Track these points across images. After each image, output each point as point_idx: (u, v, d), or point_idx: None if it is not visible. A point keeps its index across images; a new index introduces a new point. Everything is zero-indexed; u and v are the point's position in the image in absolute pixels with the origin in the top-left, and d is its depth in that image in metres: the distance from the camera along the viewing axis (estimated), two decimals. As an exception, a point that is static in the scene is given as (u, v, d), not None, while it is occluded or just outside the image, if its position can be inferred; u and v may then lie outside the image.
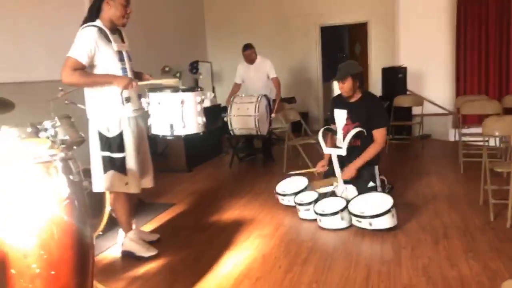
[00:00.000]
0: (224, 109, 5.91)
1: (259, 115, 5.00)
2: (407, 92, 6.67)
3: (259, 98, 5.05)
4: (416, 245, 2.81)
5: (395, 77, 6.51)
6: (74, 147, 3.41)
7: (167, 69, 6.61)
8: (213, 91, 7.89)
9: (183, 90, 2.61)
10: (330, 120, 3.82)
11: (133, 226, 2.91)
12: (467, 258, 2.58)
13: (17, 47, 4.18)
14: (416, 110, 6.30)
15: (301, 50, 8.04)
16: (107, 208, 3.19)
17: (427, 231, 3.03)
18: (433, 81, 7.23)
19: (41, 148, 1.93)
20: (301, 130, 5.62)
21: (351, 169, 3.39)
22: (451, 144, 6.02)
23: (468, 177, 4.32)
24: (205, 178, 4.98)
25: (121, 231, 2.91)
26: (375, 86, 7.44)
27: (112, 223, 3.08)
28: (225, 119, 5.16)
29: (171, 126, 2.59)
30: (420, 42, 7.18)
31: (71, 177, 1.75)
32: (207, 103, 6.20)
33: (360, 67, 3.57)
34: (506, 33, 6.42)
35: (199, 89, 2.70)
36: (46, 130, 3.08)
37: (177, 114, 2.59)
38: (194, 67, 7.09)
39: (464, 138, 4.87)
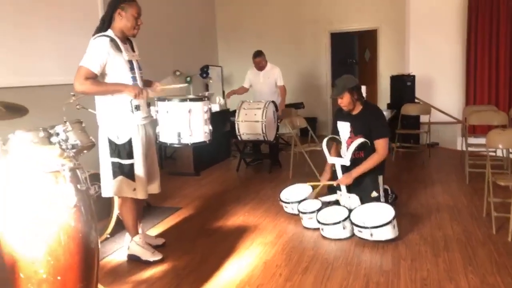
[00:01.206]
0: (233, 113, 5.98)
1: (267, 121, 5.06)
2: (416, 100, 6.68)
3: (266, 104, 5.11)
4: (416, 257, 2.84)
5: (403, 85, 6.52)
6: (84, 151, 3.51)
7: (178, 73, 6.72)
8: (223, 95, 7.97)
9: (191, 99, 2.67)
10: (332, 132, 3.83)
11: (140, 231, 2.99)
12: (466, 272, 2.61)
13: (31, 52, 4.28)
14: (424, 118, 6.31)
15: (310, 56, 8.08)
16: (115, 212, 3.29)
17: (428, 243, 3.06)
18: (442, 89, 7.22)
19: (50, 155, 2.01)
20: (308, 136, 5.66)
21: (349, 176, 3.44)
22: (458, 153, 6.00)
23: (473, 188, 4.33)
24: (212, 182, 5.05)
25: (127, 235, 2.98)
26: (384, 93, 7.45)
27: (120, 226, 3.16)
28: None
29: (179, 135, 2.67)
30: (430, 49, 7.17)
31: (78, 186, 1.82)
32: (216, 108, 6.32)
33: (356, 79, 3.60)
34: (517, 44, 6.41)
35: (206, 99, 2.76)
36: (57, 134, 3.18)
37: (184, 123, 2.66)
38: (204, 72, 7.17)
39: (471, 148, 4.87)
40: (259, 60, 5.60)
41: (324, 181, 3.70)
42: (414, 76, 6.58)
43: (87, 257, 1.88)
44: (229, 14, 8.48)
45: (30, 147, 2.41)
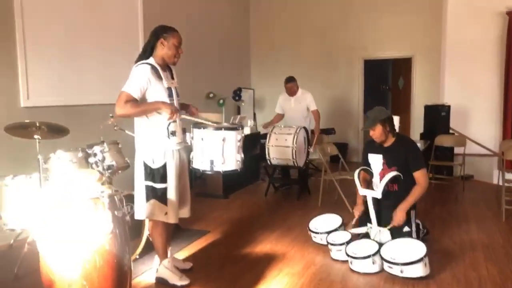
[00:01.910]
0: (263, 136, 6.03)
1: (297, 147, 5.07)
2: (450, 131, 6.54)
3: (297, 130, 5.13)
4: (449, 298, 2.76)
5: (438, 115, 6.41)
6: (119, 171, 3.61)
7: (211, 95, 6.85)
8: (254, 117, 8.06)
9: (226, 128, 2.72)
10: (363, 164, 3.75)
11: (168, 254, 3.03)
12: (502, 318, 2.51)
13: (75, 74, 4.49)
14: (458, 149, 6.17)
15: (343, 82, 8.08)
16: (145, 233, 3.35)
17: (461, 283, 2.96)
18: (478, 121, 7.05)
19: (90, 180, 2.08)
20: (339, 163, 5.62)
21: (400, 214, 3.37)
22: (494, 188, 5.82)
23: (510, 226, 4.18)
24: (241, 206, 5.07)
25: (156, 258, 3.03)
26: (417, 122, 7.35)
27: (149, 248, 3.21)
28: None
29: (212, 162, 2.71)
30: (466, 80, 7.05)
31: (116, 212, 1.88)
32: (247, 131, 6.39)
33: (388, 111, 3.56)
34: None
35: (240, 128, 2.81)
36: (95, 155, 3.31)
37: (218, 151, 2.71)
38: (237, 94, 7.28)
39: (508, 184, 4.71)
40: (290, 85, 5.65)
41: (357, 213, 3.63)
42: (449, 106, 6.46)
43: (120, 281, 1.93)
44: (263, 37, 8.62)
45: (71, 170, 2.49)
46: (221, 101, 7.00)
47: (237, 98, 7.34)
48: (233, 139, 2.75)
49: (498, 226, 4.22)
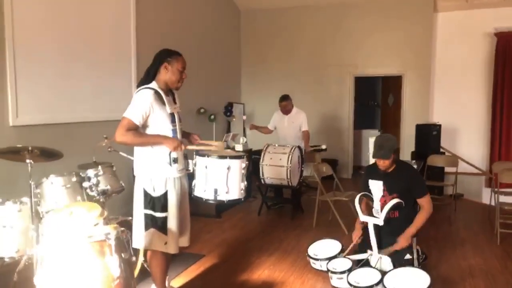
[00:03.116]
0: (255, 153, 5.96)
1: (292, 167, 5.02)
2: (441, 150, 6.59)
3: (292, 150, 5.08)
4: (455, 331, 2.71)
5: (429, 134, 6.45)
6: (113, 195, 3.48)
7: (202, 111, 6.75)
8: (244, 132, 7.99)
9: (230, 157, 2.64)
10: (363, 190, 3.72)
11: (166, 284, 2.91)
12: None
13: (66, 91, 4.35)
14: (449, 168, 6.21)
15: (334, 98, 8.09)
16: (140, 259, 3.23)
17: (465, 315, 2.93)
18: (467, 139, 7.16)
19: (91, 216, 1.97)
20: (332, 181, 5.57)
21: (405, 239, 3.34)
22: (485, 207, 5.87)
23: (505, 251, 4.18)
24: (234, 226, 4.97)
25: (153, 286, 2.91)
26: (407, 140, 7.39)
27: (144, 274, 3.09)
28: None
29: (215, 191, 2.62)
30: (455, 99, 7.17)
31: (123, 254, 1.77)
32: (239, 148, 6.30)
33: (395, 139, 3.54)
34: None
35: (244, 157, 2.73)
36: (89, 179, 3.18)
37: (222, 179, 2.62)
38: (228, 110, 7.21)
39: (503, 207, 4.72)
40: (285, 104, 5.61)
41: (356, 238, 3.59)
42: (440, 126, 6.52)
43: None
44: (254, 51, 8.58)
45: (69, 203, 2.36)
46: (212, 117, 6.91)
47: (228, 113, 7.26)
48: (238, 167, 2.67)
49: (494, 250, 4.22)
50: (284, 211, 5.63)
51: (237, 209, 5.66)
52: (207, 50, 7.21)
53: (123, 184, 3.52)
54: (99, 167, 3.32)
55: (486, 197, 6.36)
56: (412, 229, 3.36)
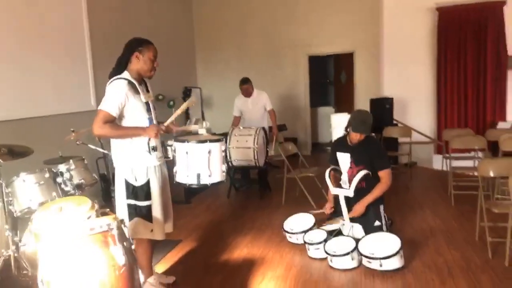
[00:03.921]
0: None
1: (258, 147, 5.12)
2: (394, 122, 6.95)
3: (257, 131, 5.18)
4: (425, 286, 2.97)
5: (383, 108, 6.77)
6: (87, 188, 3.44)
7: (160, 97, 6.67)
8: (202, 117, 7.99)
9: (211, 141, 2.70)
10: (331, 161, 3.91)
11: (153, 271, 2.96)
12: (476, 300, 2.75)
13: (26, 86, 4.19)
14: (401, 138, 6.60)
15: (289, 78, 8.25)
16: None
17: (432, 270, 3.20)
18: (416, 111, 7.55)
19: (82, 210, 1.98)
20: (296, 161, 5.75)
21: (361, 206, 3.56)
22: (437, 173, 6.31)
23: (460, 210, 4.55)
24: (205, 210, 5.04)
25: (140, 275, 2.94)
26: (362, 114, 7.68)
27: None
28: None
29: (198, 176, 2.68)
30: (403, 73, 7.51)
31: (125, 243, 1.81)
32: (202, 132, 6.31)
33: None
34: (483, 70, 6.82)
35: (223, 139, 2.80)
36: (62, 174, 3.13)
37: (204, 164, 2.68)
38: (187, 95, 7.17)
39: (456, 171, 5.10)
40: (246, 87, 5.67)
41: (328, 210, 3.79)
42: (392, 99, 6.85)
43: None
44: (208, 35, 8.53)
45: (60, 199, 2.34)
46: (171, 103, 6.85)
47: (187, 98, 7.22)
48: (218, 150, 2.74)
49: (450, 211, 4.58)
50: (252, 192, 5.76)
51: (205, 194, 5.72)
52: (161, 36, 7.06)
53: (96, 176, 3.48)
54: (71, 161, 3.26)
55: (436, 163, 6.83)
56: (368, 198, 3.58)
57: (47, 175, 3.04)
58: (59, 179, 3.12)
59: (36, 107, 4.26)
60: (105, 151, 3.80)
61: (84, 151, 3.77)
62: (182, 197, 5.31)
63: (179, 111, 2.87)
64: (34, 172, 3.00)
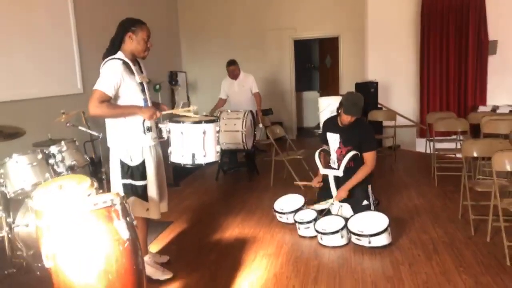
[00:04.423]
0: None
1: (246, 131, 5.17)
2: (378, 106, 7.07)
3: (245, 114, 5.22)
4: (412, 261, 3.09)
5: (368, 92, 6.86)
6: (79, 169, 3.44)
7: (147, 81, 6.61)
8: (188, 100, 7.98)
9: (205, 121, 2.73)
10: (321, 141, 4.03)
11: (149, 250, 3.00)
12: (459, 273, 2.88)
13: (9, 69, 4.12)
14: (386, 122, 6.73)
15: (275, 62, 8.27)
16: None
17: (418, 246, 3.32)
18: (399, 95, 7.70)
19: (83, 187, 2.00)
20: (283, 144, 5.82)
21: (344, 191, 3.66)
22: (420, 155, 6.47)
23: (443, 190, 4.70)
24: (194, 193, 5.08)
25: (135, 255, 2.98)
26: (347, 98, 7.78)
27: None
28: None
29: (193, 156, 2.71)
30: (387, 57, 7.62)
31: (127, 218, 1.84)
32: (190, 115, 6.31)
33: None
34: (465, 55, 6.97)
35: (217, 120, 2.83)
36: (54, 155, 3.12)
37: (199, 144, 2.71)
38: (173, 79, 7.13)
39: (438, 152, 5.25)
40: (233, 68, 5.68)
41: (316, 183, 3.90)
42: (377, 83, 6.96)
43: (139, 284, 1.90)
44: (192, 18, 8.45)
45: (59, 178, 2.34)
46: (157, 87, 6.81)
47: (173, 82, 7.19)
48: (212, 131, 2.77)
49: (433, 191, 4.73)
50: (240, 174, 5.82)
51: (193, 177, 5.76)
52: (145, 20, 6.97)
53: (88, 158, 3.47)
54: (62, 142, 3.25)
55: (419, 146, 7.01)
56: (352, 181, 3.67)
57: (39, 156, 3.02)
58: (51, 161, 3.11)
59: (22, 89, 4.19)
60: (94, 133, 3.79)
61: (72, 134, 3.76)
62: (171, 179, 5.31)
63: (175, 111, 2.90)
64: (26, 153, 2.98)
